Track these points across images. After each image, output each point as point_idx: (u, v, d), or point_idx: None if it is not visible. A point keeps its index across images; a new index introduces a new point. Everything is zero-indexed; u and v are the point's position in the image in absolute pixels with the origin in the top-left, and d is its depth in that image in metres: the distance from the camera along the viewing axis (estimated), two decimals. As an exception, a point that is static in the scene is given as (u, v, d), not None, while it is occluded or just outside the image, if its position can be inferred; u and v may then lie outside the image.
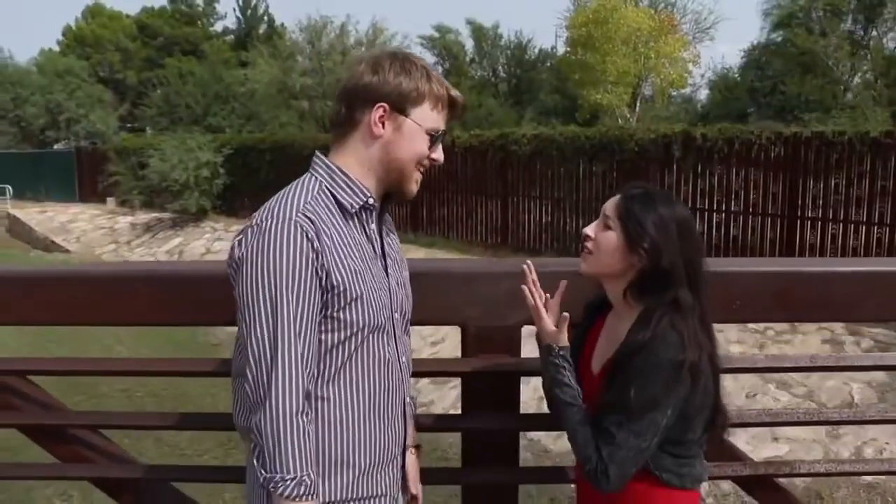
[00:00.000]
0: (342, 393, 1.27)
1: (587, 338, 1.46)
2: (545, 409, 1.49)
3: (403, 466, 1.43)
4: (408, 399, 1.42)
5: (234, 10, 37.99)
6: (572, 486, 1.60)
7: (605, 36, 18.19)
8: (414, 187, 1.33)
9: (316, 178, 1.28)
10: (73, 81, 29.49)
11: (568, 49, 21.50)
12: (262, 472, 1.18)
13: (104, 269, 2.07)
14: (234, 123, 23.91)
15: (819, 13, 20.40)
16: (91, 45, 35.60)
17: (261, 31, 35.13)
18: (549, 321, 1.39)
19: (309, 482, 1.19)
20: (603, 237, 1.37)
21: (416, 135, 1.29)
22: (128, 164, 20.18)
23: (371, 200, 1.30)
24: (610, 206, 1.38)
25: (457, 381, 1.72)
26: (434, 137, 1.31)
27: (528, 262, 1.45)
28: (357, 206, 1.28)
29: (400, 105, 1.27)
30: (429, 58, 29.53)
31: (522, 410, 1.73)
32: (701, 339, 1.30)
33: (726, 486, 4.96)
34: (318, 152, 1.32)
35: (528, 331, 1.60)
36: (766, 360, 2.07)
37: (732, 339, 7.39)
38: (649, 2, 22.51)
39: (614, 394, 1.29)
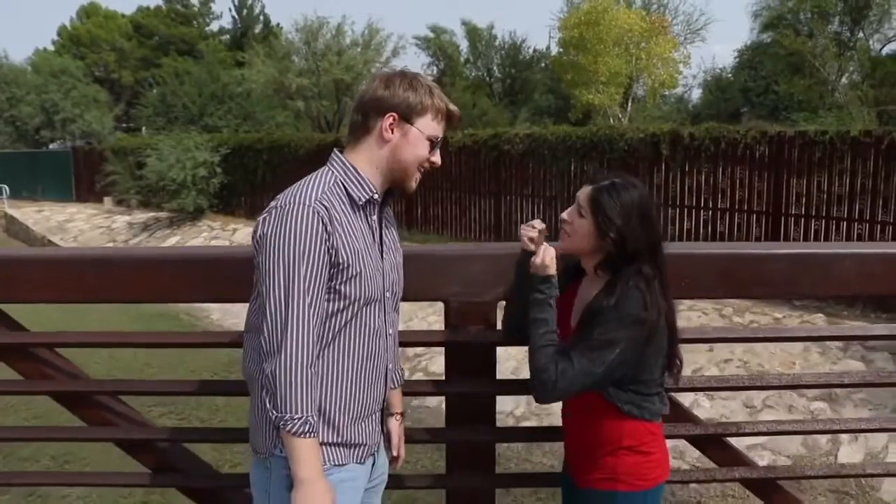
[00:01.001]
0: (336, 355, 1.50)
1: (565, 298, 1.69)
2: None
3: (382, 423, 1.66)
4: (390, 366, 1.64)
5: (230, 9, 38.11)
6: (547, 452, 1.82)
7: (597, 37, 18.31)
8: (413, 185, 1.58)
9: (332, 172, 1.52)
10: (69, 81, 29.40)
11: (560, 50, 21.70)
12: (274, 412, 1.40)
13: (129, 251, 2.23)
14: (230, 123, 23.98)
15: (806, 15, 20.65)
16: (86, 45, 35.59)
17: (257, 30, 35.23)
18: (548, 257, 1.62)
19: (313, 422, 1.41)
20: (577, 223, 1.60)
21: (419, 141, 1.53)
22: (125, 163, 20.22)
23: (376, 196, 1.53)
24: (582, 196, 1.60)
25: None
26: (434, 144, 1.56)
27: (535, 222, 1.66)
28: (364, 199, 1.51)
29: (407, 115, 1.52)
30: (424, 58, 29.77)
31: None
32: (660, 301, 1.55)
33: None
34: (336, 150, 1.56)
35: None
36: (714, 330, 2.28)
37: (717, 332, 7.61)
38: (642, 3, 22.75)
39: (581, 335, 1.55)
